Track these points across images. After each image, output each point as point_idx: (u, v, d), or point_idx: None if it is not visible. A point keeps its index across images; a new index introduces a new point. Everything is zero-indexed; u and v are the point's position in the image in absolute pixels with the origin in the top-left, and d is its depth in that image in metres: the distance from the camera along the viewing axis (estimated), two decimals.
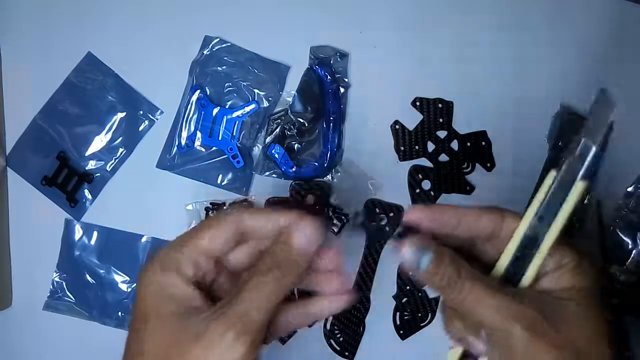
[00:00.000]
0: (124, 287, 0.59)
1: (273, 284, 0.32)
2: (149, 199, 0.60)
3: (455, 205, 0.34)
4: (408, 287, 0.62)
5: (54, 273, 0.61)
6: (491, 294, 0.31)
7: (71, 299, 0.60)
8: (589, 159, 0.32)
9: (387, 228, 0.62)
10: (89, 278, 0.60)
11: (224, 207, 0.60)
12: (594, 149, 0.32)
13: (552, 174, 0.33)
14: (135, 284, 0.59)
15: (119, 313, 0.59)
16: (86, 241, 0.60)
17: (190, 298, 0.32)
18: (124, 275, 0.59)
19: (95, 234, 0.61)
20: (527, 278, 0.33)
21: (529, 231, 0.33)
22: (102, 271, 0.60)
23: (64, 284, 0.60)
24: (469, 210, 0.34)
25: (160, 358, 0.31)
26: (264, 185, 0.61)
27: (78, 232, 0.60)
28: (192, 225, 0.60)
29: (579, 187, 0.32)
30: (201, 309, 0.32)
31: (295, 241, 0.33)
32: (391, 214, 0.62)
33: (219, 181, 0.60)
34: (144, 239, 0.60)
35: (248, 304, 0.31)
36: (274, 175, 0.60)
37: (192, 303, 0.32)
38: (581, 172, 0.32)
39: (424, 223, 0.34)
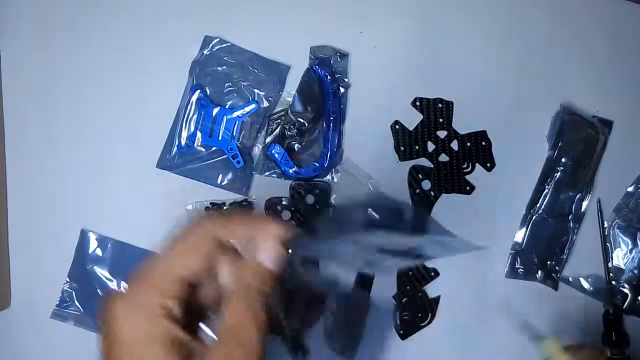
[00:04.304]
0: None
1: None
2: (149, 198, 0.60)
3: None
4: (408, 287, 0.62)
5: (65, 282, 0.60)
6: None
7: (79, 309, 0.60)
8: None
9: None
10: (99, 290, 0.60)
11: (224, 207, 0.60)
12: None
13: None
14: None
15: None
16: (100, 253, 0.60)
17: (170, 339, 0.30)
18: None
19: (109, 246, 0.60)
20: None
21: None
22: (112, 285, 0.60)
23: (74, 294, 0.60)
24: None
25: None
26: (264, 185, 0.61)
27: (93, 244, 0.60)
28: None
29: None
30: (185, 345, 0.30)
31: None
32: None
33: (219, 181, 0.60)
34: None
35: None
36: (274, 175, 0.60)
37: (174, 344, 0.29)
38: None
39: None
